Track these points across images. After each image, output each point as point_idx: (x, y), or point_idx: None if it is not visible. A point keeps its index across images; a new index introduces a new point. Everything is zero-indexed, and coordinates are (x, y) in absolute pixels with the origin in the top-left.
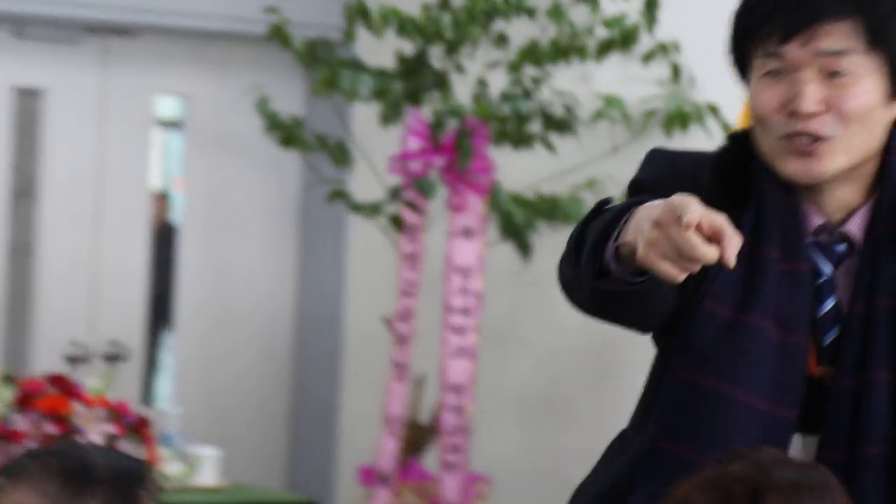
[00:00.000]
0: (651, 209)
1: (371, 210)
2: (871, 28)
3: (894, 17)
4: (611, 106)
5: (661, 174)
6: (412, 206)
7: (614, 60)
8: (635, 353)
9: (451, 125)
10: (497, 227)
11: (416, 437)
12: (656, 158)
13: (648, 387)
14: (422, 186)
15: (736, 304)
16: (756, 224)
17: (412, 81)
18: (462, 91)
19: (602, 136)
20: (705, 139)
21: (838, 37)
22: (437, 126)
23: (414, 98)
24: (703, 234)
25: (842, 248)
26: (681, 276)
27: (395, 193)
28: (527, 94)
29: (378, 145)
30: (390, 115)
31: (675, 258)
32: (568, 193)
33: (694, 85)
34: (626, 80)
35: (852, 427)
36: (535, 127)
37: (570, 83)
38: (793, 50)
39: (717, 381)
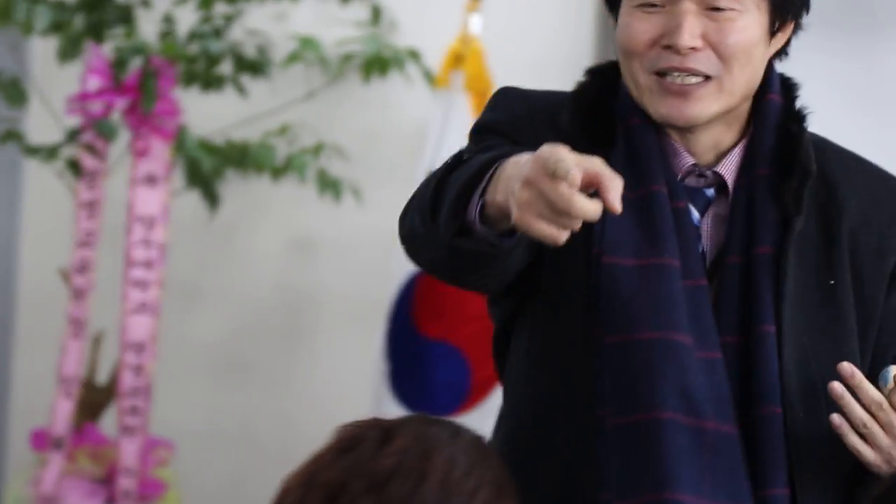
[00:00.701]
0: (519, 166)
1: (47, 154)
2: None
3: None
4: (307, 48)
5: (514, 115)
6: (91, 150)
7: (311, 0)
8: (327, 310)
9: (136, 64)
10: (183, 174)
11: (94, 398)
12: (508, 98)
13: (536, 373)
14: (102, 129)
15: (637, 249)
16: (632, 163)
17: (94, 15)
18: (148, 28)
19: (297, 79)
20: (405, 85)
21: None
22: (119, 64)
23: (95, 33)
24: (583, 183)
25: (710, 192)
26: (563, 236)
27: (72, 136)
28: (217, 34)
29: (57, 84)
30: (69, 51)
31: (553, 217)
32: (259, 140)
33: (394, 29)
34: (324, 21)
35: (744, 388)
36: (225, 68)
37: (263, 22)
38: None
39: (650, 331)
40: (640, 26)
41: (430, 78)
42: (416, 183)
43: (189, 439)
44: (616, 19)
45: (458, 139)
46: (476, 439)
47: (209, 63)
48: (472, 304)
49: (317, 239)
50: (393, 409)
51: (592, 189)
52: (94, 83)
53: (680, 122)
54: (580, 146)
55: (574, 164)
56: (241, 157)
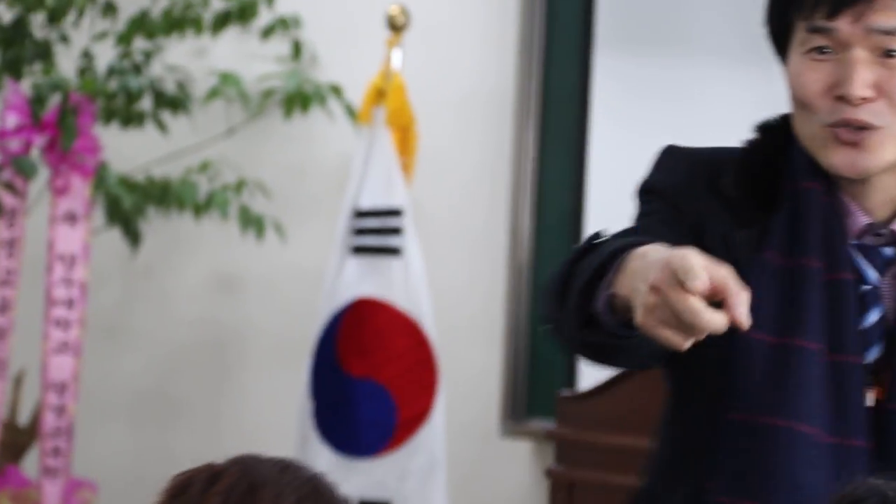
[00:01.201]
0: (647, 262)
1: None
2: None
3: None
4: (227, 84)
5: (674, 178)
6: (10, 188)
7: (231, 35)
8: (253, 348)
9: (55, 100)
10: (104, 211)
11: (15, 439)
12: (670, 158)
13: (671, 433)
14: (21, 166)
15: (779, 327)
16: (792, 230)
17: (12, 51)
18: (66, 64)
19: (218, 115)
20: (327, 121)
21: (894, 13)
22: (38, 101)
23: (13, 69)
24: (706, 293)
25: (889, 251)
26: (686, 344)
27: None
28: (137, 69)
29: None
30: None
31: (677, 325)
32: (180, 177)
33: (316, 64)
34: (244, 56)
35: None
36: (145, 104)
37: (183, 58)
38: (843, 25)
39: (773, 416)
40: (811, 75)
41: (351, 113)
42: (338, 219)
43: (113, 480)
44: (784, 63)
45: (380, 174)
46: (311, 476)
47: (129, 99)
48: (397, 342)
49: (240, 276)
50: (318, 448)
51: (719, 299)
52: (13, 120)
53: (851, 172)
54: (742, 210)
55: (703, 275)
56: (163, 194)
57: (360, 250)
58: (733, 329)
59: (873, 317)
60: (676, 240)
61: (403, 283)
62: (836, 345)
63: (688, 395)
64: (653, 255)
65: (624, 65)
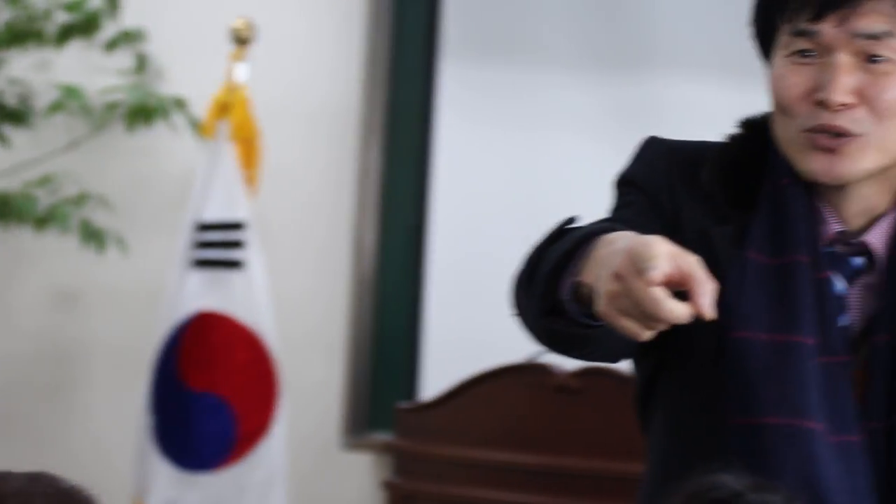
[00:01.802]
0: (612, 249)
1: None
2: None
3: None
4: (70, 97)
5: (653, 169)
6: None
7: (75, 47)
8: (94, 363)
9: None
10: None
11: None
12: (650, 150)
13: (663, 446)
14: None
15: (771, 324)
16: (776, 228)
17: None
18: None
19: (60, 129)
20: (170, 134)
21: (879, 16)
22: None
23: None
24: (672, 281)
25: (858, 261)
26: (646, 335)
27: None
28: None
29: None
30: None
31: (639, 315)
32: (20, 190)
33: (160, 77)
34: (88, 69)
35: (891, 480)
36: None
37: (25, 71)
38: (826, 29)
39: (778, 416)
40: (793, 78)
41: (195, 127)
42: (181, 233)
43: None
44: (768, 66)
45: (224, 188)
46: (66, 488)
47: None
48: (238, 356)
49: (81, 289)
50: (157, 464)
51: (685, 288)
52: None
53: (828, 179)
54: (721, 206)
55: (666, 264)
56: (2, 208)
57: (202, 263)
58: (723, 331)
59: (840, 324)
60: (652, 232)
61: (245, 297)
62: (826, 344)
63: (679, 405)
64: (619, 243)
65: (471, 75)
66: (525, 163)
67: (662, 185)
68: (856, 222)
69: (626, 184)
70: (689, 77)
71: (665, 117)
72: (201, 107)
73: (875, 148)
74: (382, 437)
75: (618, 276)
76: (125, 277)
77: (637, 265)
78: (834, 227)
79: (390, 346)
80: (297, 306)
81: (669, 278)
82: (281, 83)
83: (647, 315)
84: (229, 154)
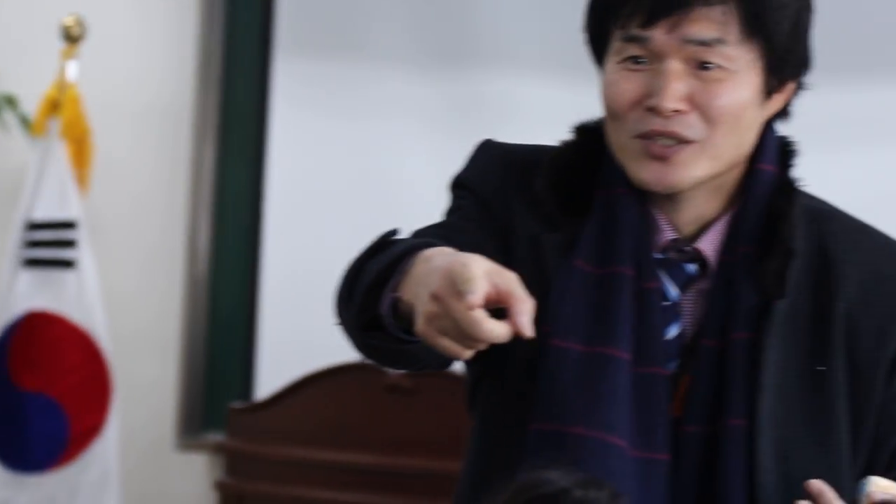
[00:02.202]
0: (430, 267)
1: None
2: (747, 15)
3: (775, 2)
4: None
5: (486, 174)
6: None
7: None
8: None
9: None
10: None
11: None
12: (485, 154)
13: (479, 445)
14: None
15: (589, 335)
16: (604, 237)
17: None
18: None
19: None
20: (0, 133)
21: (710, 23)
22: None
23: None
24: (490, 300)
25: (692, 268)
26: (466, 354)
27: None
28: None
29: None
30: None
31: (457, 335)
32: None
33: None
34: None
35: (704, 482)
36: None
37: None
38: (657, 35)
39: (583, 427)
40: (624, 84)
41: (26, 125)
42: (12, 231)
43: None
44: (602, 74)
45: (55, 187)
46: None
47: None
48: (69, 356)
49: None
50: None
51: (503, 306)
52: None
53: (660, 187)
54: (553, 214)
55: (484, 285)
56: None
57: (32, 263)
58: (542, 337)
59: (672, 332)
60: (482, 238)
61: (77, 296)
62: (644, 356)
63: (497, 406)
64: (437, 260)
65: (305, 71)
66: (361, 158)
67: (495, 189)
68: (689, 229)
69: (460, 187)
70: (521, 73)
71: (498, 112)
72: (32, 104)
73: (707, 155)
74: (216, 437)
75: (436, 297)
76: None
77: (455, 286)
78: (667, 234)
79: (225, 346)
80: (130, 305)
81: (488, 297)
82: (113, 81)
83: (466, 335)
84: (60, 152)
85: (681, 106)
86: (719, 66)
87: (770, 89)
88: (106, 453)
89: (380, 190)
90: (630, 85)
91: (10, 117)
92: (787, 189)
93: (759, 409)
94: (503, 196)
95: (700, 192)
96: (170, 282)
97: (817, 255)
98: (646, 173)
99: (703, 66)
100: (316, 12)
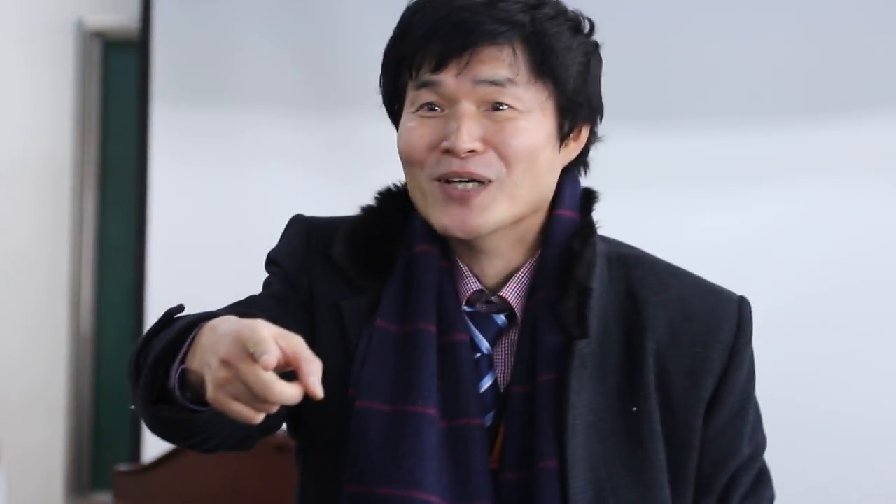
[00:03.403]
0: (217, 335)
1: None
2: (535, 56)
3: (562, 44)
4: None
5: (292, 248)
6: None
7: None
8: None
9: None
10: None
11: None
12: (291, 229)
13: (299, 491)
14: None
15: (393, 394)
16: (405, 296)
17: None
18: None
19: None
20: None
21: (499, 64)
22: None
23: None
24: (278, 364)
25: (500, 318)
26: (258, 418)
27: None
28: None
29: None
30: None
31: (249, 399)
32: None
33: None
34: None
35: None
36: None
37: None
38: (449, 79)
39: (391, 487)
40: (421, 131)
41: None
42: None
43: None
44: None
45: None
46: None
47: None
48: None
49: None
50: None
51: (292, 369)
52: None
53: (462, 232)
54: (355, 279)
55: (273, 347)
56: None
57: None
58: (350, 401)
59: (486, 383)
60: (283, 313)
61: None
62: (454, 409)
63: (313, 469)
64: (223, 328)
65: (183, 123)
66: (242, 205)
67: (300, 264)
68: (496, 280)
69: (270, 263)
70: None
71: (375, 154)
72: None
73: (506, 195)
74: (104, 498)
75: (226, 362)
76: None
77: (246, 350)
78: (473, 286)
79: (111, 406)
80: (15, 365)
81: (277, 360)
82: None
83: (257, 398)
84: None
85: (476, 146)
86: (511, 107)
87: (564, 133)
88: None
89: (263, 236)
90: (426, 130)
91: None
92: (584, 232)
93: (569, 450)
94: (306, 269)
95: (503, 243)
96: (55, 341)
97: (626, 300)
98: (447, 219)
99: (495, 106)
100: (192, 61)
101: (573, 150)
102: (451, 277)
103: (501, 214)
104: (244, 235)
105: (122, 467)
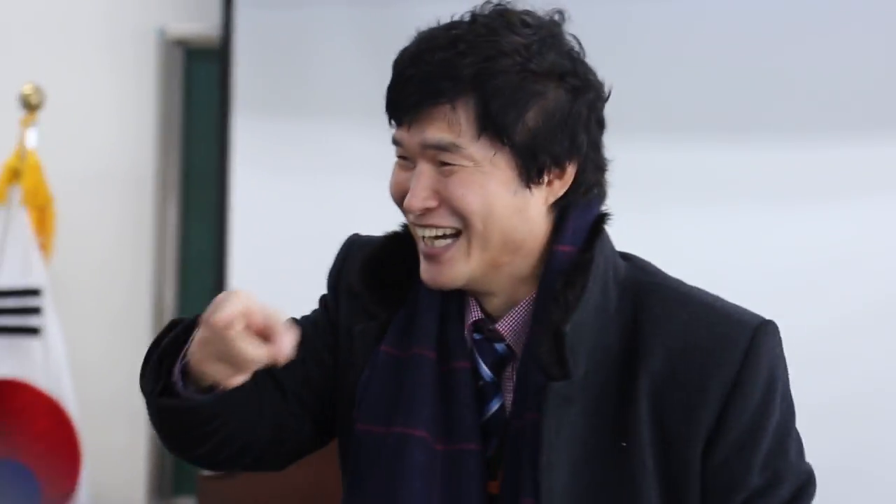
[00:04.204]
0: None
1: None
2: (477, 114)
3: (509, 96)
4: None
5: (332, 270)
6: None
7: None
8: None
9: None
10: None
11: None
12: (340, 249)
13: None
14: None
15: (388, 417)
16: (408, 325)
17: None
18: None
19: None
20: None
21: (442, 125)
22: None
23: None
24: (256, 331)
25: (501, 346)
26: (234, 380)
27: None
28: None
29: None
30: None
31: (225, 359)
32: None
33: None
34: None
35: None
36: None
37: None
38: (405, 138)
39: None
40: (398, 178)
41: None
42: None
43: None
44: None
45: (17, 254)
46: None
47: None
48: (39, 422)
49: None
50: None
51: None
52: None
53: (435, 286)
54: (370, 304)
55: (238, 304)
56: None
57: None
58: (353, 424)
59: (493, 408)
60: (316, 335)
61: (44, 363)
62: (450, 433)
63: (344, 492)
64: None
65: (264, 132)
66: (323, 214)
67: (332, 286)
68: (500, 313)
69: (327, 284)
70: None
71: None
72: None
73: (476, 246)
74: (187, 502)
75: (205, 322)
76: None
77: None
78: (475, 315)
79: None
80: (98, 372)
81: (255, 326)
82: (72, 147)
83: (232, 357)
84: (22, 220)
85: (429, 204)
86: (457, 164)
87: (530, 178)
88: None
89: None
90: (402, 178)
91: None
92: (572, 270)
93: (543, 487)
94: (336, 292)
95: (501, 280)
96: (136, 347)
97: (629, 331)
98: (425, 274)
99: (443, 163)
100: (273, 69)
101: (558, 188)
102: (459, 306)
103: (471, 266)
104: (324, 243)
105: (205, 473)
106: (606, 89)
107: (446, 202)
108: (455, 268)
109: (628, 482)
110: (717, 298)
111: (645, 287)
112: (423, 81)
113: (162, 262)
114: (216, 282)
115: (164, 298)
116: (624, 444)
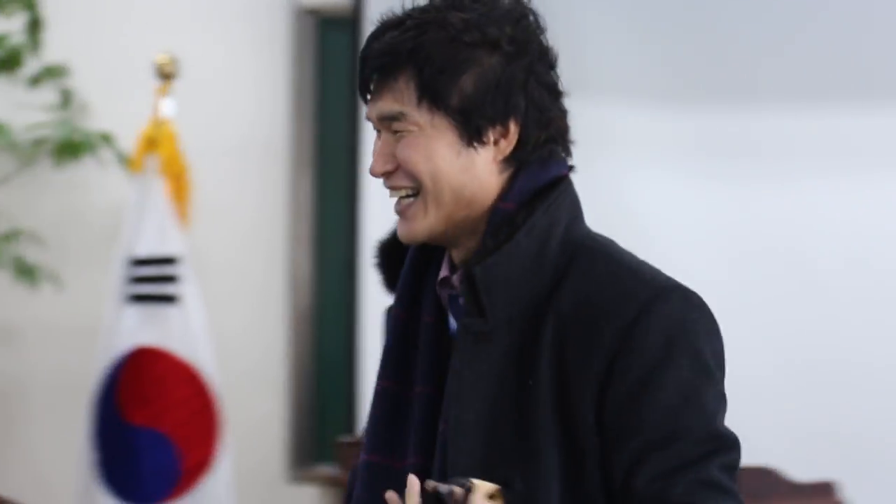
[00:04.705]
0: None
1: None
2: (418, 81)
3: (435, 67)
4: None
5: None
6: None
7: None
8: (33, 399)
9: None
10: None
11: None
12: None
13: None
14: None
15: (380, 372)
16: (404, 288)
17: None
18: None
19: None
20: (100, 169)
21: (390, 97)
22: None
23: None
24: None
25: (462, 299)
26: None
27: None
28: None
29: None
30: None
31: None
32: None
33: (86, 112)
34: (12, 105)
35: None
36: None
37: None
38: (370, 111)
39: (372, 453)
40: (375, 147)
41: (124, 161)
42: (114, 267)
43: None
44: None
45: (155, 222)
46: None
47: None
48: (177, 390)
49: (17, 326)
50: (101, 498)
51: None
52: None
53: (405, 241)
54: (389, 274)
55: None
56: None
57: (137, 298)
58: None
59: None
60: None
61: (182, 331)
62: (415, 380)
63: None
64: None
65: None
66: None
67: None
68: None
69: None
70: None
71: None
72: (128, 141)
73: (432, 203)
74: (327, 469)
75: None
76: (60, 313)
77: None
78: (444, 272)
79: (329, 380)
80: (235, 340)
81: None
82: (208, 117)
83: None
84: (159, 189)
85: (387, 167)
86: (405, 130)
87: (472, 138)
88: (218, 487)
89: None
90: (375, 150)
91: (107, 154)
92: (512, 222)
93: (451, 416)
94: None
95: (461, 234)
96: (274, 316)
97: (557, 281)
98: (398, 230)
99: (396, 132)
100: None
101: (504, 146)
102: (438, 264)
103: (430, 220)
104: None
105: (345, 439)
106: (554, 55)
107: (401, 165)
108: (416, 223)
109: (531, 418)
110: (650, 267)
111: (584, 246)
112: (374, 59)
113: (296, 234)
114: (349, 255)
115: (299, 271)
116: (531, 383)
